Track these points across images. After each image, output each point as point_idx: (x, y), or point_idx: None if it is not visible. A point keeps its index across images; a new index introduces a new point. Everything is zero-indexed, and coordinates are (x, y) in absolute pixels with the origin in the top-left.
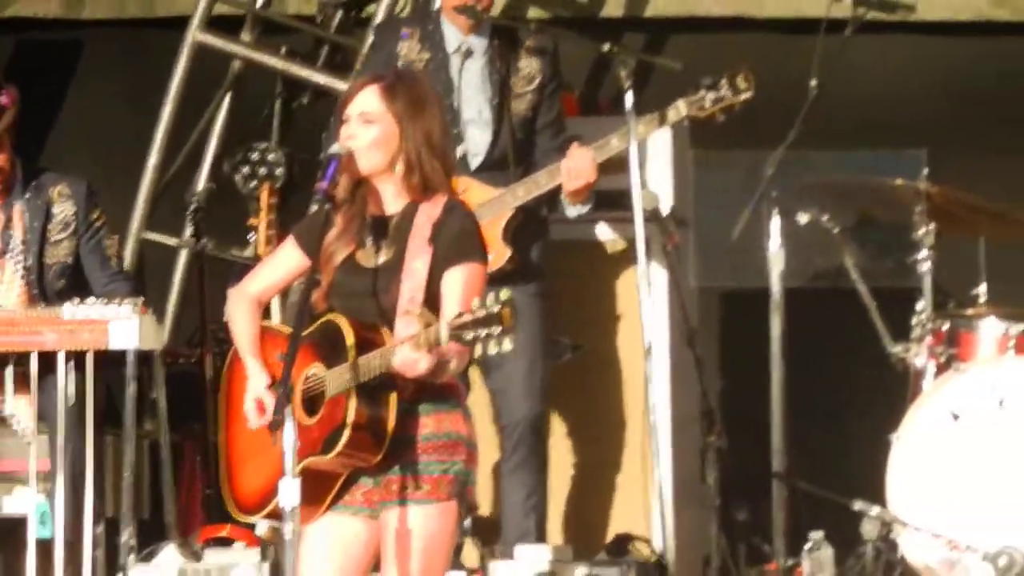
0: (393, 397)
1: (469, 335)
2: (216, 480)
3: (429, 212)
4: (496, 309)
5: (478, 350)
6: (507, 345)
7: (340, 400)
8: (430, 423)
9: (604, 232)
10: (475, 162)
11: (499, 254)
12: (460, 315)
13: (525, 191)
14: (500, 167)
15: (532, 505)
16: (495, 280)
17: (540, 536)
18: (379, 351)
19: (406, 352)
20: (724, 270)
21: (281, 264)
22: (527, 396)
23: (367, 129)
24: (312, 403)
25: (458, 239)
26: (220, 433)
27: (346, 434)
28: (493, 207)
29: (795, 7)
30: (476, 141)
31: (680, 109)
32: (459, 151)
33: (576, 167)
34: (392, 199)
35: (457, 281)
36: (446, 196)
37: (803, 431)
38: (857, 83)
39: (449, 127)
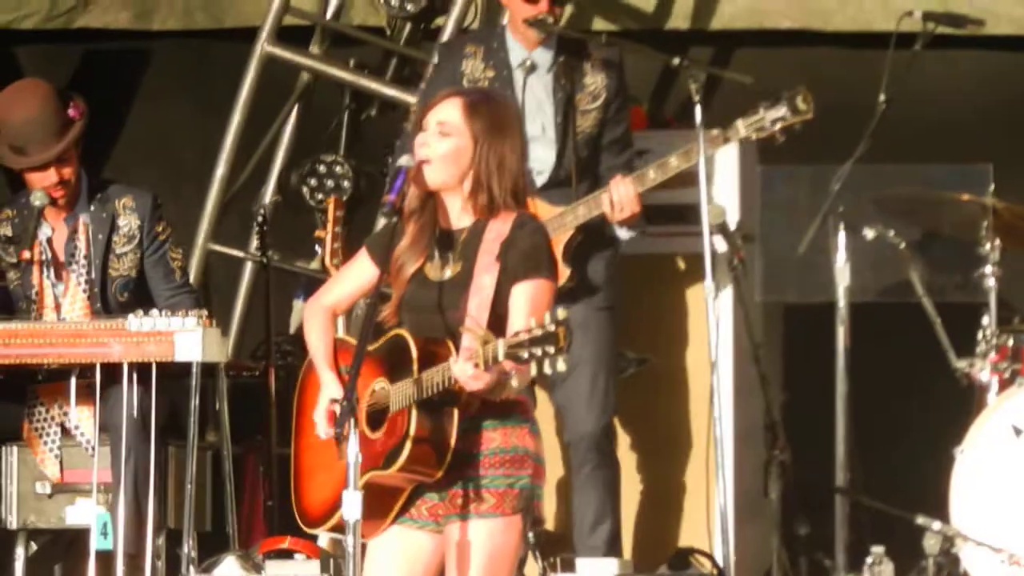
0: (455, 413)
1: (525, 354)
2: (277, 492)
3: (499, 228)
4: (552, 328)
5: (533, 369)
6: (560, 365)
7: (403, 415)
8: (496, 438)
9: (671, 246)
10: (540, 180)
11: (559, 273)
12: (517, 334)
13: (586, 210)
14: (564, 185)
15: (598, 521)
16: (561, 294)
17: (610, 552)
18: (441, 367)
19: (464, 368)
20: (790, 284)
21: (355, 276)
22: (592, 411)
23: (442, 141)
24: (376, 418)
25: (527, 254)
26: (292, 444)
27: (407, 449)
28: (553, 226)
29: (864, 21)
30: (540, 158)
31: (739, 130)
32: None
33: (620, 200)
34: (459, 214)
35: (523, 297)
36: (515, 212)
37: (866, 446)
38: (925, 98)
39: (526, 154)
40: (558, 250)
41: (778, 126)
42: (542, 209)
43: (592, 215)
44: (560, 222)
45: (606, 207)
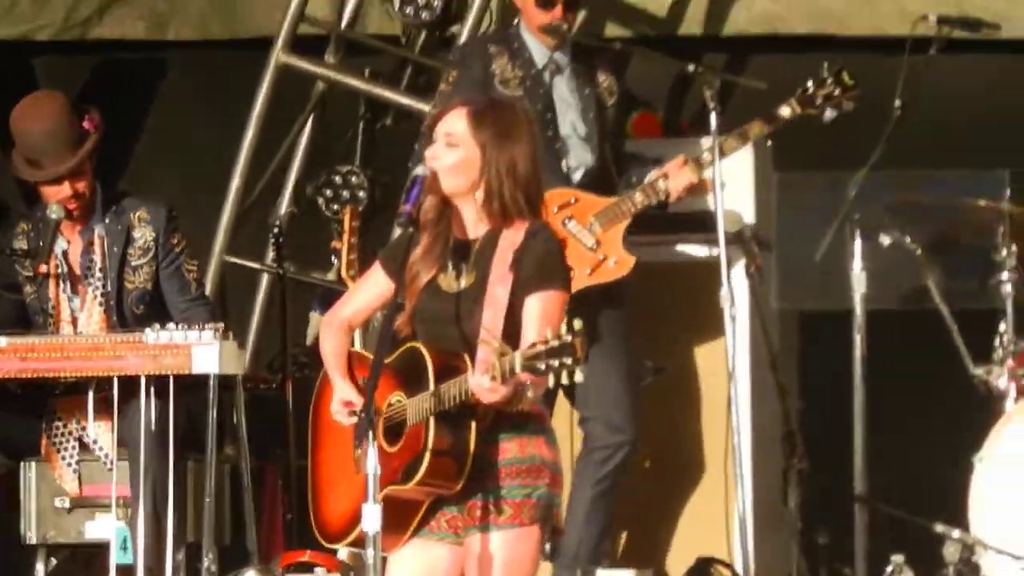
0: (473, 425)
1: (542, 365)
2: (296, 505)
3: (512, 238)
4: (568, 339)
5: (550, 380)
6: (578, 376)
7: (420, 428)
8: (512, 448)
9: (687, 253)
10: (577, 175)
11: (623, 262)
12: (533, 345)
13: (643, 196)
14: (601, 179)
15: (607, 529)
16: (590, 296)
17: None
18: (458, 380)
19: (480, 381)
20: (806, 291)
21: (369, 288)
22: (616, 420)
23: (449, 152)
24: (393, 431)
25: (540, 264)
26: (308, 458)
27: (426, 462)
28: (610, 214)
29: (878, 26)
30: (579, 156)
31: (793, 106)
32: (563, 166)
33: (689, 184)
34: (473, 223)
35: (537, 308)
36: (528, 221)
37: (885, 453)
38: (940, 103)
39: (540, 157)
40: (619, 238)
41: (829, 102)
42: (590, 199)
43: (650, 202)
44: (617, 210)
45: (666, 193)
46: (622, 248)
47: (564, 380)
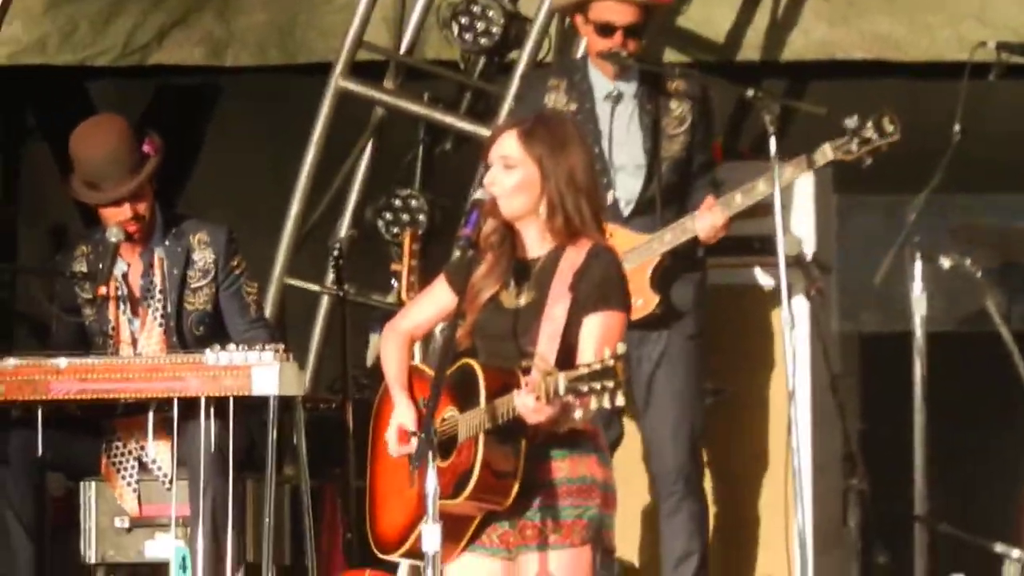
0: (523, 442)
1: (584, 387)
2: (356, 525)
3: (573, 258)
4: (610, 363)
5: (592, 403)
6: (619, 400)
7: (471, 444)
8: (564, 467)
9: (747, 277)
10: (627, 209)
11: (647, 300)
12: (577, 367)
13: (672, 236)
14: (649, 212)
15: (686, 555)
16: (650, 323)
17: None
18: (507, 397)
19: (525, 400)
20: (866, 314)
21: (432, 301)
22: (677, 444)
23: (508, 174)
24: (445, 446)
25: (599, 286)
26: (367, 472)
27: (475, 477)
28: (640, 253)
29: (937, 52)
30: (628, 187)
31: (827, 153)
32: (609, 197)
33: (715, 226)
34: (536, 243)
35: (595, 328)
36: (592, 241)
37: (944, 474)
38: (1000, 127)
39: (596, 168)
40: (645, 277)
41: (865, 148)
42: (626, 237)
43: (679, 241)
44: (647, 249)
45: (700, 233)
46: (647, 287)
47: (605, 404)
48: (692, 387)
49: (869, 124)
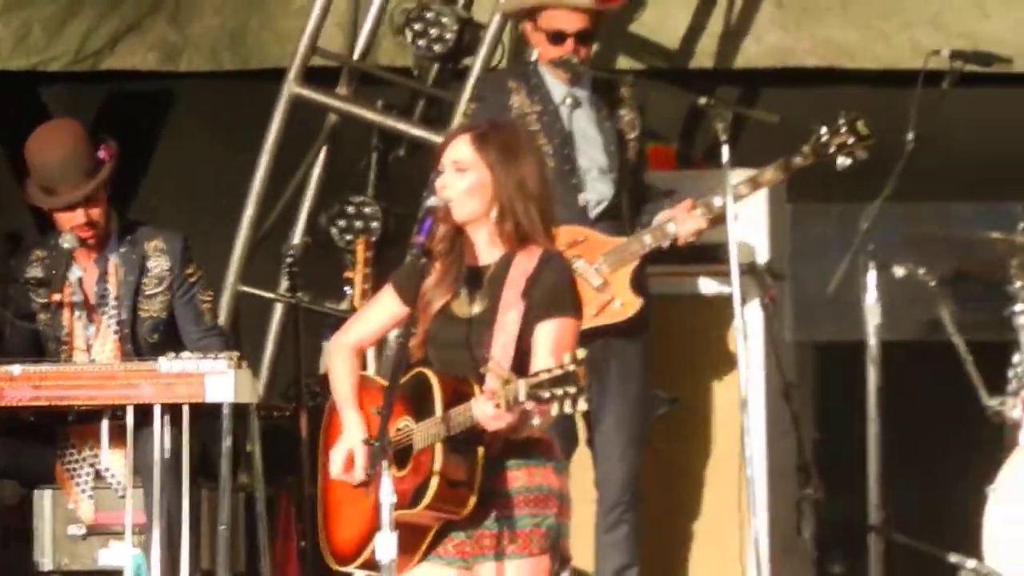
0: (480, 451)
1: (546, 393)
2: (311, 533)
3: (524, 264)
4: (571, 368)
5: (553, 410)
6: (581, 405)
7: (427, 453)
8: (521, 477)
9: (700, 286)
10: (597, 211)
11: (629, 304)
12: (537, 374)
13: (652, 239)
14: (617, 215)
15: (623, 568)
16: (632, 324)
17: None
18: (465, 406)
19: (484, 407)
20: (820, 323)
21: (379, 313)
22: (625, 453)
23: (460, 177)
24: (400, 456)
25: (552, 292)
26: (319, 482)
27: (433, 487)
28: (619, 255)
29: (891, 59)
30: (598, 190)
31: (806, 154)
32: (580, 200)
33: (698, 229)
34: (487, 249)
35: (548, 336)
36: (543, 247)
37: (899, 484)
38: (953, 136)
39: (547, 177)
40: (626, 279)
41: (842, 151)
42: (599, 239)
43: (659, 244)
44: (627, 250)
45: (674, 236)
46: (629, 290)
47: (567, 410)
48: (638, 399)
49: (844, 126)
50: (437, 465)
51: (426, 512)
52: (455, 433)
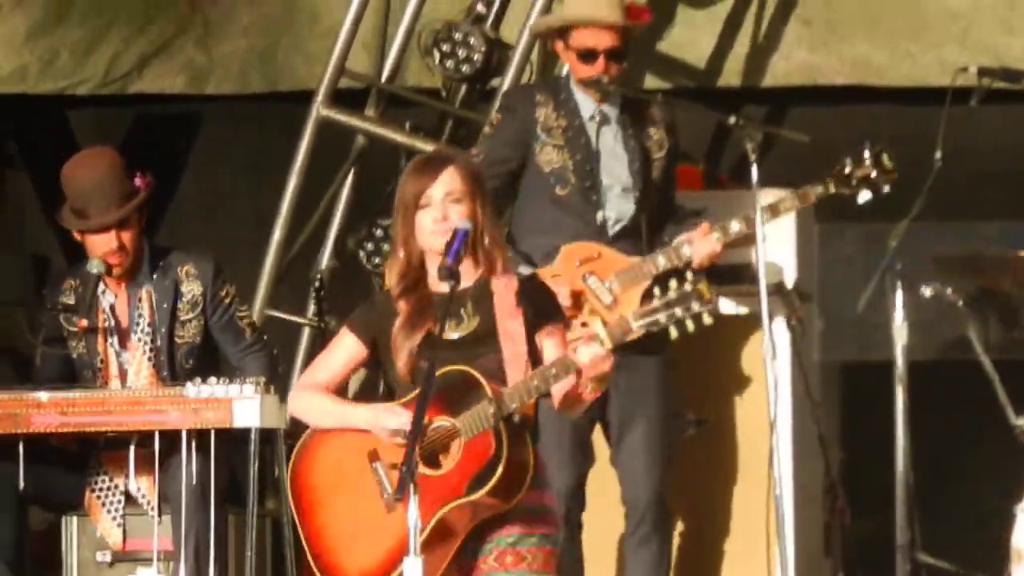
0: (528, 438)
1: (662, 317)
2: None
3: (504, 282)
4: (689, 288)
5: (673, 331)
6: (707, 320)
7: (484, 439)
8: (532, 497)
9: (727, 306)
10: (615, 229)
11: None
12: (643, 304)
13: (666, 260)
14: (635, 234)
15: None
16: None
17: None
18: (560, 358)
19: (592, 349)
20: (847, 343)
21: (339, 357)
22: (651, 471)
23: (457, 206)
24: (431, 458)
25: (546, 303)
26: (306, 524)
27: (501, 469)
28: (632, 274)
29: (919, 77)
30: (618, 208)
31: (829, 186)
32: (599, 217)
33: (712, 253)
34: (465, 272)
35: (558, 341)
36: (509, 272)
37: (926, 504)
38: (981, 154)
39: (574, 207)
40: (637, 298)
41: (865, 184)
42: (614, 258)
43: (672, 265)
44: (639, 271)
45: (688, 258)
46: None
47: (691, 327)
48: (663, 415)
49: (869, 159)
50: (504, 447)
51: (485, 499)
52: (514, 412)
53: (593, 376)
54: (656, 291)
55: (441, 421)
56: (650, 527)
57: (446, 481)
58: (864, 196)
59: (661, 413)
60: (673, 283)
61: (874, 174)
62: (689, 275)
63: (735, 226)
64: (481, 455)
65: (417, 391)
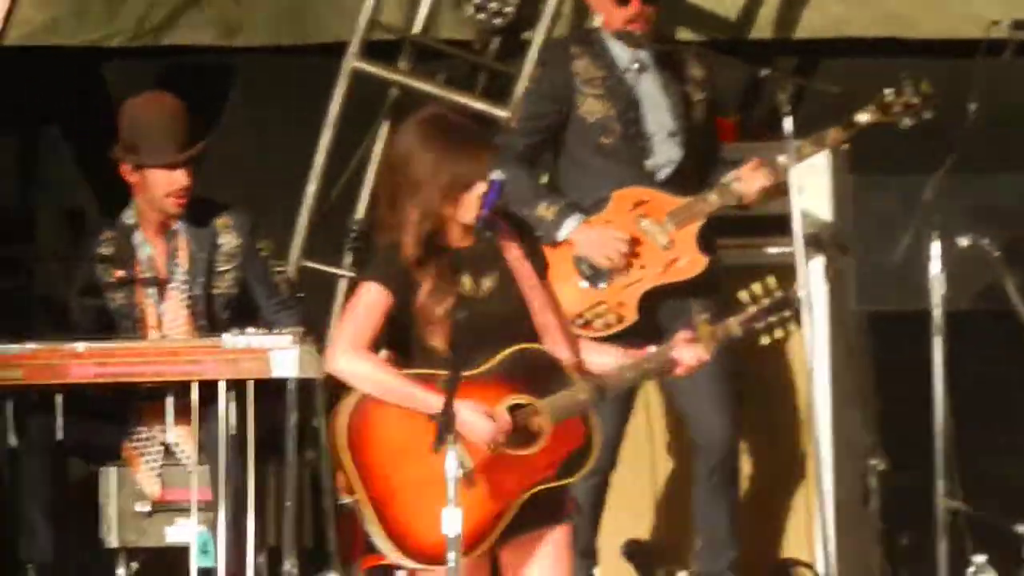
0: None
1: (760, 324)
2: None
3: (503, 237)
4: (780, 294)
5: (763, 339)
6: (792, 327)
7: (574, 424)
8: None
9: (763, 257)
10: (663, 174)
11: (695, 262)
12: (744, 309)
13: (718, 198)
14: (689, 175)
15: (726, 545)
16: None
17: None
18: (658, 351)
19: (696, 351)
20: (884, 293)
21: (377, 313)
22: (723, 416)
23: None
24: (518, 437)
25: (539, 259)
26: (368, 492)
27: (591, 459)
28: (685, 213)
29: (951, 28)
30: (667, 153)
31: (868, 114)
32: (648, 164)
33: (763, 188)
34: (461, 234)
35: (552, 295)
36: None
37: (965, 454)
38: (1015, 105)
39: (621, 155)
40: (692, 238)
41: (907, 111)
42: (664, 200)
43: (724, 203)
44: (692, 209)
45: (740, 195)
46: (695, 247)
47: (778, 335)
48: (730, 360)
49: (908, 87)
50: (594, 435)
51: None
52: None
53: (682, 373)
54: (750, 295)
55: (519, 400)
56: (727, 473)
57: (534, 463)
58: (907, 121)
59: (727, 357)
60: (771, 281)
61: (915, 100)
62: (771, 280)
63: (783, 159)
64: (570, 440)
65: (477, 371)
